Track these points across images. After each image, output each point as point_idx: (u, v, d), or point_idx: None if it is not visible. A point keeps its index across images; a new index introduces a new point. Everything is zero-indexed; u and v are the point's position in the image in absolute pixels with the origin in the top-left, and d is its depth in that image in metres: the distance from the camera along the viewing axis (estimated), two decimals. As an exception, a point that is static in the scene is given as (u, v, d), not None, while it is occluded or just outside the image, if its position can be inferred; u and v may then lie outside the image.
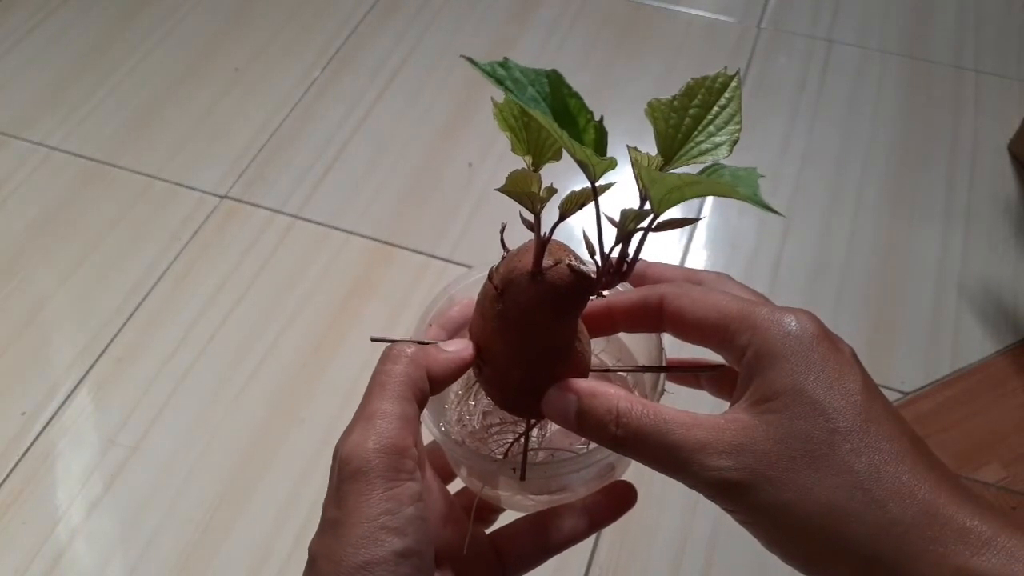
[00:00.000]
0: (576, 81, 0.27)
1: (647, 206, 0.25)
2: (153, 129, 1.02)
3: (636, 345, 0.35)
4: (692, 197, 0.24)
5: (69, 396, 0.78)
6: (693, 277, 0.30)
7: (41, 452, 0.75)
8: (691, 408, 0.26)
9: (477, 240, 0.89)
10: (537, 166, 0.27)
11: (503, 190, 0.26)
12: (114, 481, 0.73)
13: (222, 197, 0.94)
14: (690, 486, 0.25)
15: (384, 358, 0.28)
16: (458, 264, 0.87)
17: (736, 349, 0.26)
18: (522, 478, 0.30)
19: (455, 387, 0.34)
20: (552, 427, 0.33)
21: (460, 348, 0.29)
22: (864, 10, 1.14)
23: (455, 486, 0.34)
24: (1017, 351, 0.80)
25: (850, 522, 0.23)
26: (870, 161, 0.97)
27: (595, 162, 0.24)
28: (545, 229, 0.27)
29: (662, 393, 0.32)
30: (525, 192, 0.27)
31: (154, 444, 0.75)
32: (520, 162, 0.28)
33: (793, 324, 0.25)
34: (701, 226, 0.91)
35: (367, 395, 0.27)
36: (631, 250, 0.27)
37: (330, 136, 1.00)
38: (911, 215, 0.91)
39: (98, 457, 0.74)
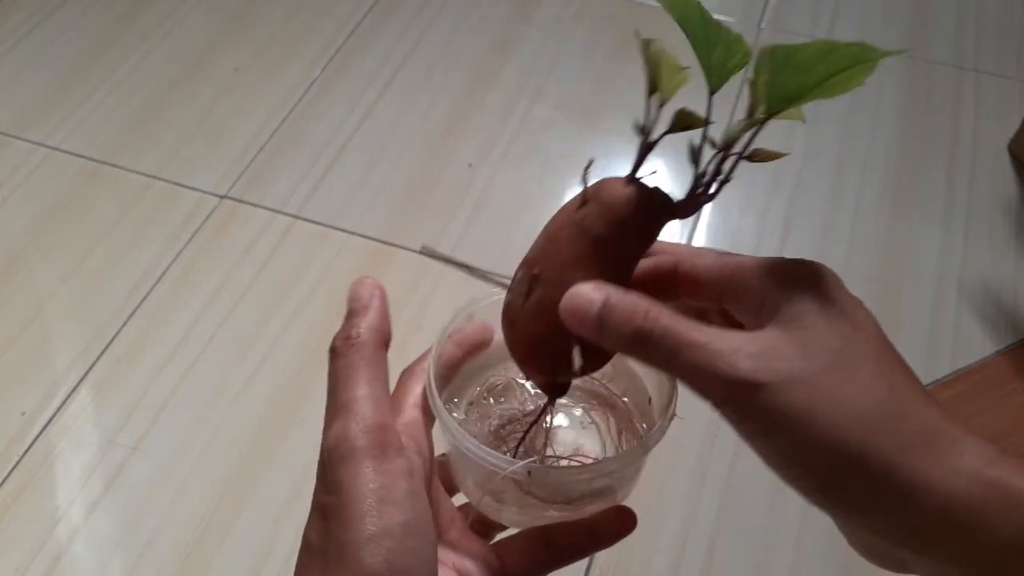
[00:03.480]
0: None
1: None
2: (153, 129, 1.02)
3: (647, 374, 0.35)
4: (827, 75, 0.25)
5: (69, 396, 0.78)
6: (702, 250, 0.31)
7: (41, 452, 0.75)
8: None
9: (477, 240, 0.89)
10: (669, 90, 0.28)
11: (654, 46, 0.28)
12: (114, 481, 0.73)
13: (222, 197, 0.94)
14: (708, 391, 0.24)
15: (335, 354, 0.28)
16: (458, 264, 0.87)
17: (754, 295, 0.26)
18: (532, 464, 0.29)
19: (465, 400, 0.34)
20: (558, 430, 0.33)
21: (474, 330, 0.32)
22: (864, 10, 1.14)
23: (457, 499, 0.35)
24: (1017, 351, 0.80)
25: (875, 432, 0.23)
26: (870, 161, 0.97)
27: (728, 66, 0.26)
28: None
29: (672, 417, 0.31)
30: (669, 65, 0.27)
31: (154, 444, 0.75)
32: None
33: (812, 265, 0.26)
34: (701, 226, 0.91)
35: (332, 391, 0.28)
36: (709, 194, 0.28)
37: (330, 136, 1.00)
38: (911, 215, 0.92)
39: (98, 457, 0.74)
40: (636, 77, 1.11)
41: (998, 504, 0.22)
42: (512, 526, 0.35)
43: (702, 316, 0.31)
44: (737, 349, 0.24)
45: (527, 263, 0.29)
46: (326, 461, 0.26)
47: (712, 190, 0.27)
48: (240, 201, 0.94)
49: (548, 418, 0.31)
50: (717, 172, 0.27)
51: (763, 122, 0.26)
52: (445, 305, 0.84)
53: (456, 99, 1.04)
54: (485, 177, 0.95)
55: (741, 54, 0.27)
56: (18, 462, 0.74)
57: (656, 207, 0.28)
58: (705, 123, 0.27)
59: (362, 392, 0.27)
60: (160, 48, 1.11)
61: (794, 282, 0.25)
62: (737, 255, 0.28)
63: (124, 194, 0.95)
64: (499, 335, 0.33)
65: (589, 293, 0.26)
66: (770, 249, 0.88)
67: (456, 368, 0.33)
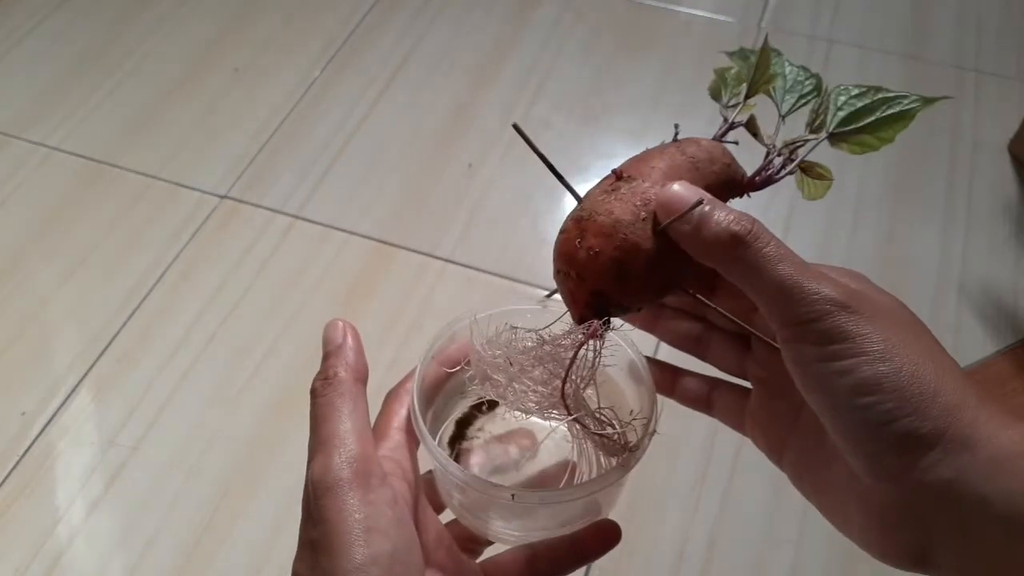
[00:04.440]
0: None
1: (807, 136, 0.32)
2: (153, 129, 1.02)
3: (630, 388, 0.35)
4: (884, 110, 0.31)
5: (69, 396, 0.78)
6: None
7: (41, 452, 0.75)
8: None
9: (477, 240, 0.89)
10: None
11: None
12: (114, 481, 0.73)
13: (222, 197, 0.94)
14: (793, 306, 0.25)
15: (315, 394, 0.29)
16: (458, 264, 0.87)
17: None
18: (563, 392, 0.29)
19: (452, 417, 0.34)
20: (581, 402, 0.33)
21: (456, 350, 0.33)
22: (864, 10, 1.14)
23: (445, 516, 0.35)
24: (1017, 351, 0.80)
25: (946, 377, 0.24)
26: (870, 161, 0.97)
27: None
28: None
29: (653, 434, 0.31)
30: (764, 67, 0.32)
31: (154, 444, 0.75)
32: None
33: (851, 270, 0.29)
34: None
35: (314, 428, 0.29)
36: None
37: (330, 136, 1.00)
38: (911, 215, 0.92)
39: (98, 457, 0.74)
40: (636, 77, 1.12)
41: None
42: (499, 542, 0.35)
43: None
44: (828, 280, 0.25)
45: (615, 173, 0.29)
46: (311, 494, 0.27)
47: (777, 175, 0.31)
48: (240, 201, 0.94)
49: (588, 355, 0.29)
50: (784, 164, 0.31)
51: (819, 141, 0.32)
52: (446, 305, 0.84)
53: (456, 99, 1.04)
54: (485, 177, 0.95)
55: (811, 88, 0.33)
56: (18, 462, 0.74)
57: (734, 169, 0.30)
58: (762, 140, 0.32)
59: (344, 426, 0.28)
60: (160, 48, 1.11)
61: (843, 269, 0.28)
62: None
63: (124, 194, 0.95)
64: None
65: (692, 188, 0.27)
66: (770, 249, 0.88)
67: (440, 388, 0.34)
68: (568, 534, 0.33)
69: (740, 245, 0.25)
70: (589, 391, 0.30)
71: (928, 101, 0.31)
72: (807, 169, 0.32)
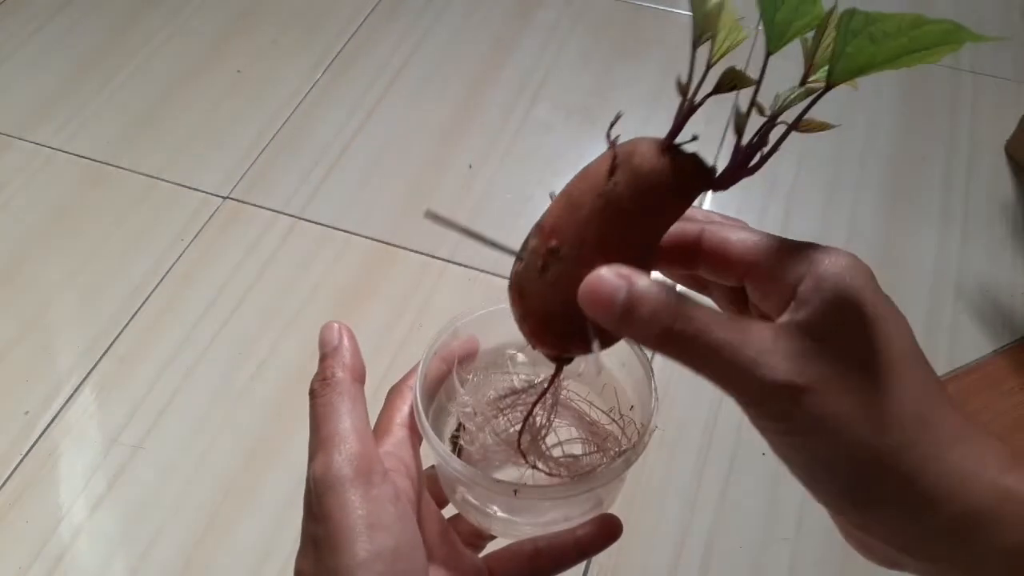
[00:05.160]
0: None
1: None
2: (156, 130, 1.02)
3: (628, 383, 0.35)
4: (910, 50, 0.22)
5: (72, 395, 0.79)
6: (727, 220, 0.29)
7: (44, 451, 0.75)
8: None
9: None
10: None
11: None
12: (117, 480, 0.73)
13: (224, 198, 0.95)
14: (743, 392, 0.23)
15: (314, 395, 0.30)
16: (458, 264, 0.88)
17: (787, 280, 0.25)
18: (520, 440, 0.30)
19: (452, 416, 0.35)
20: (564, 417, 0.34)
21: (460, 346, 0.33)
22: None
23: (447, 512, 0.36)
24: (1014, 350, 0.81)
25: (908, 438, 0.23)
26: (867, 161, 0.97)
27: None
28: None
29: (652, 431, 0.32)
30: (727, 20, 0.24)
31: (157, 443, 0.76)
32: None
33: (850, 259, 0.26)
34: (700, 227, 0.91)
35: (314, 428, 0.29)
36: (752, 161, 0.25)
37: (332, 137, 1.01)
38: (908, 216, 0.92)
39: (101, 456, 0.75)
40: (636, 78, 1.12)
41: (1009, 515, 0.22)
42: (501, 537, 0.35)
43: (702, 288, 0.30)
44: (773, 349, 0.23)
45: (544, 231, 0.26)
46: (313, 492, 0.27)
47: (755, 162, 0.25)
48: (243, 202, 0.94)
49: (552, 391, 0.31)
50: (762, 143, 0.24)
51: (823, 92, 0.24)
52: (446, 304, 0.84)
53: (457, 100, 1.04)
54: (485, 178, 0.96)
55: (811, 16, 0.24)
56: (21, 461, 0.75)
57: (694, 179, 0.25)
58: (756, 84, 0.24)
59: (343, 425, 0.28)
60: (163, 50, 1.11)
61: (831, 275, 0.25)
62: (770, 235, 0.27)
63: (127, 195, 0.95)
64: (484, 346, 0.34)
65: (613, 281, 0.24)
66: (769, 250, 0.89)
67: (443, 384, 0.34)
68: (570, 528, 0.34)
69: (665, 339, 0.24)
70: (578, 408, 0.32)
71: (964, 38, 0.21)
72: (799, 128, 0.25)
